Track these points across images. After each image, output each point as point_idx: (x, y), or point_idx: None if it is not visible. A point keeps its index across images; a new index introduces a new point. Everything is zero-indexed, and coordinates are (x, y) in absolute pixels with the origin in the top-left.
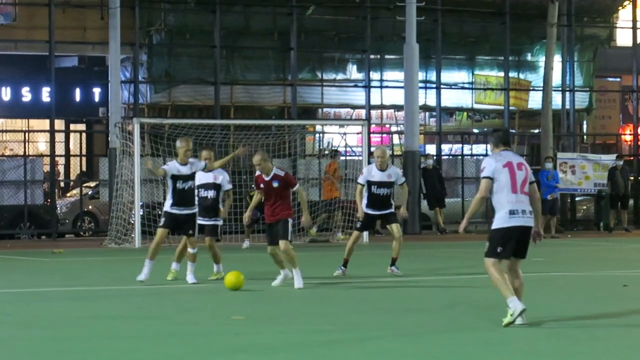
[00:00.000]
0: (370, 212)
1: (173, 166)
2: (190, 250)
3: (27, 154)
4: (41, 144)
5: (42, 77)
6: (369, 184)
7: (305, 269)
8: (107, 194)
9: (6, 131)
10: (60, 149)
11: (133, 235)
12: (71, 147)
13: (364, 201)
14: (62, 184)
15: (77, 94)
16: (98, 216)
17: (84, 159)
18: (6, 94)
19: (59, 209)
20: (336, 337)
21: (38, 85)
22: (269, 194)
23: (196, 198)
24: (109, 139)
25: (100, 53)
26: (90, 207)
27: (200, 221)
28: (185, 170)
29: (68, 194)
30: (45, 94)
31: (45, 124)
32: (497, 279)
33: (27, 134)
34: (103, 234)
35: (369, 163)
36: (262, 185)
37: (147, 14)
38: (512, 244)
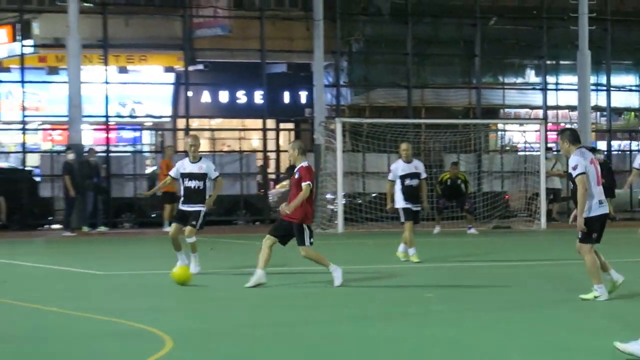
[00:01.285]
0: None
1: (180, 165)
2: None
3: (242, 149)
4: (254, 140)
5: (255, 82)
6: None
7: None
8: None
9: (224, 129)
10: (271, 145)
11: (336, 222)
12: (281, 143)
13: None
14: (273, 176)
15: (286, 97)
16: None
17: None
18: (224, 97)
19: (270, 198)
20: None
21: (251, 89)
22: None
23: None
24: (314, 136)
25: (306, 60)
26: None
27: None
28: (191, 167)
29: (278, 185)
30: (258, 97)
31: (258, 123)
32: (593, 265)
33: (242, 132)
34: None
35: (546, 158)
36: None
37: (347, 25)
38: (602, 230)
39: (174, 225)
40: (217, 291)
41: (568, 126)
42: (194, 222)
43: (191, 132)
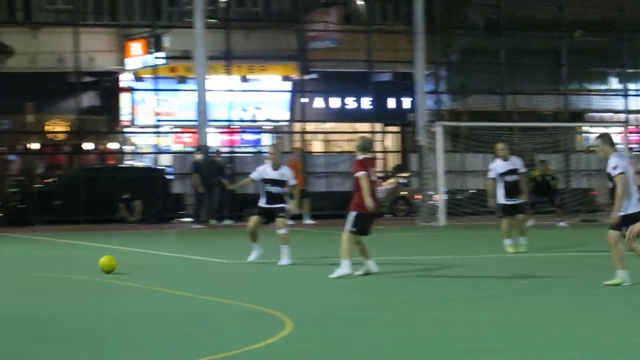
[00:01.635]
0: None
1: (262, 171)
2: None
3: (352, 150)
4: None
5: (363, 89)
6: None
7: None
8: (417, 182)
9: (335, 132)
10: (378, 146)
11: (438, 215)
12: (388, 145)
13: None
14: (380, 175)
15: (391, 103)
16: (410, 200)
17: (398, 154)
18: (335, 103)
19: (379, 194)
20: None
21: (360, 95)
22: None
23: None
24: (418, 138)
25: (409, 69)
26: (404, 192)
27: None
28: (273, 174)
29: (386, 183)
30: (366, 103)
31: (366, 126)
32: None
33: (351, 134)
34: (415, 214)
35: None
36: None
37: (445, 38)
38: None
39: (255, 217)
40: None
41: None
42: (282, 214)
43: (274, 142)
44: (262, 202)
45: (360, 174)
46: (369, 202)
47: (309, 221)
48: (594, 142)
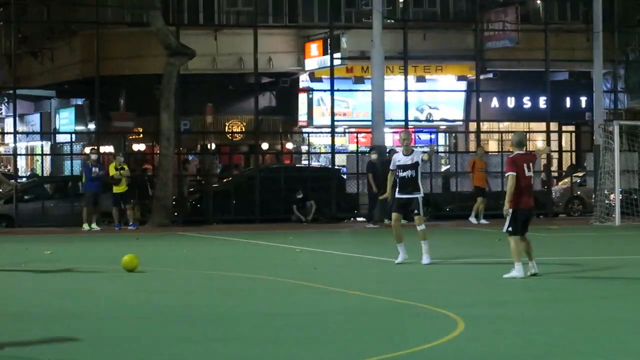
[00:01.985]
0: None
1: (394, 159)
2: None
3: (527, 150)
4: (538, 142)
5: (539, 89)
6: None
7: None
8: (592, 182)
9: (511, 132)
10: (554, 146)
11: (614, 215)
12: (563, 144)
13: None
14: (555, 174)
15: (567, 102)
16: (585, 200)
17: (573, 154)
18: (510, 102)
19: (553, 194)
20: None
21: (536, 95)
22: None
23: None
24: (594, 137)
25: (586, 69)
26: (578, 192)
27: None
28: (405, 160)
29: (561, 182)
30: (542, 102)
31: (542, 125)
32: None
33: (527, 134)
34: (589, 214)
35: None
36: None
37: (624, 36)
38: None
39: (394, 214)
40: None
41: None
42: (416, 210)
43: (405, 129)
44: (397, 193)
45: (509, 174)
46: (512, 202)
47: (483, 221)
48: None
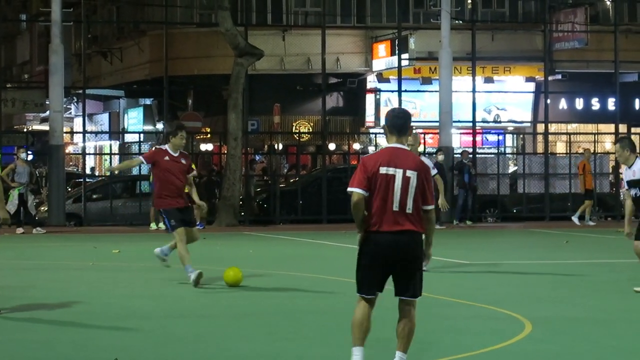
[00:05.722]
0: None
1: None
2: None
3: (596, 151)
4: (607, 143)
5: (608, 90)
6: None
7: None
8: None
9: (579, 133)
10: None
11: None
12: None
13: None
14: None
15: (637, 104)
16: None
17: None
18: (579, 103)
19: (621, 197)
20: None
21: (605, 96)
22: None
23: None
24: None
25: None
26: None
27: None
28: None
29: None
30: (611, 104)
31: (610, 127)
32: None
33: (596, 135)
34: None
35: None
36: None
37: None
38: None
39: None
40: (574, 280)
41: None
42: None
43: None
44: None
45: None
46: None
47: (590, 222)
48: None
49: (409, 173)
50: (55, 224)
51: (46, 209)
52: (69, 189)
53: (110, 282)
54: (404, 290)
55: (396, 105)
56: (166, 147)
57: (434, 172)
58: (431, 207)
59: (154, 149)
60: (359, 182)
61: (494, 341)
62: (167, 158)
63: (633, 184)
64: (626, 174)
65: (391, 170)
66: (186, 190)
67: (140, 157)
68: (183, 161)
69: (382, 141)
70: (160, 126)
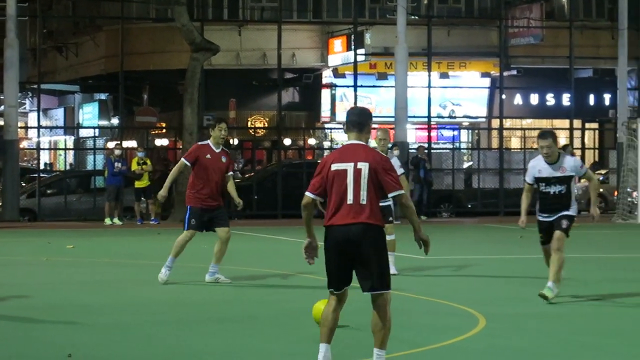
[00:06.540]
0: None
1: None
2: None
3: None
4: (562, 139)
5: (563, 86)
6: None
7: None
8: (615, 179)
9: (534, 129)
10: (577, 143)
11: (636, 213)
12: (586, 141)
13: None
14: None
15: (591, 99)
16: (607, 197)
17: (596, 151)
18: (534, 99)
19: (576, 191)
20: None
21: (560, 92)
22: None
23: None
24: (617, 135)
25: (610, 66)
26: (601, 190)
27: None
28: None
29: (583, 180)
30: (566, 99)
31: (565, 123)
32: None
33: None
34: (611, 212)
35: None
36: None
37: None
38: None
39: None
40: (527, 275)
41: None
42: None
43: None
44: None
45: None
46: None
47: None
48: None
49: (360, 165)
50: (9, 219)
51: (0, 204)
52: (23, 184)
53: (65, 277)
54: (363, 284)
55: (351, 101)
56: (208, 142)
57: (400, 171)
58: (399, 192)
59: (195, 145)
60: (312, 186)
61: (448, 336)
62: (208, 156)
63: (557, 180)
64: (546, 170)
65: (342, 166)
66: (140, 185)
67: (183, 160)
68: (224, 159)
69: (337, 136)
70: (115, 121)
